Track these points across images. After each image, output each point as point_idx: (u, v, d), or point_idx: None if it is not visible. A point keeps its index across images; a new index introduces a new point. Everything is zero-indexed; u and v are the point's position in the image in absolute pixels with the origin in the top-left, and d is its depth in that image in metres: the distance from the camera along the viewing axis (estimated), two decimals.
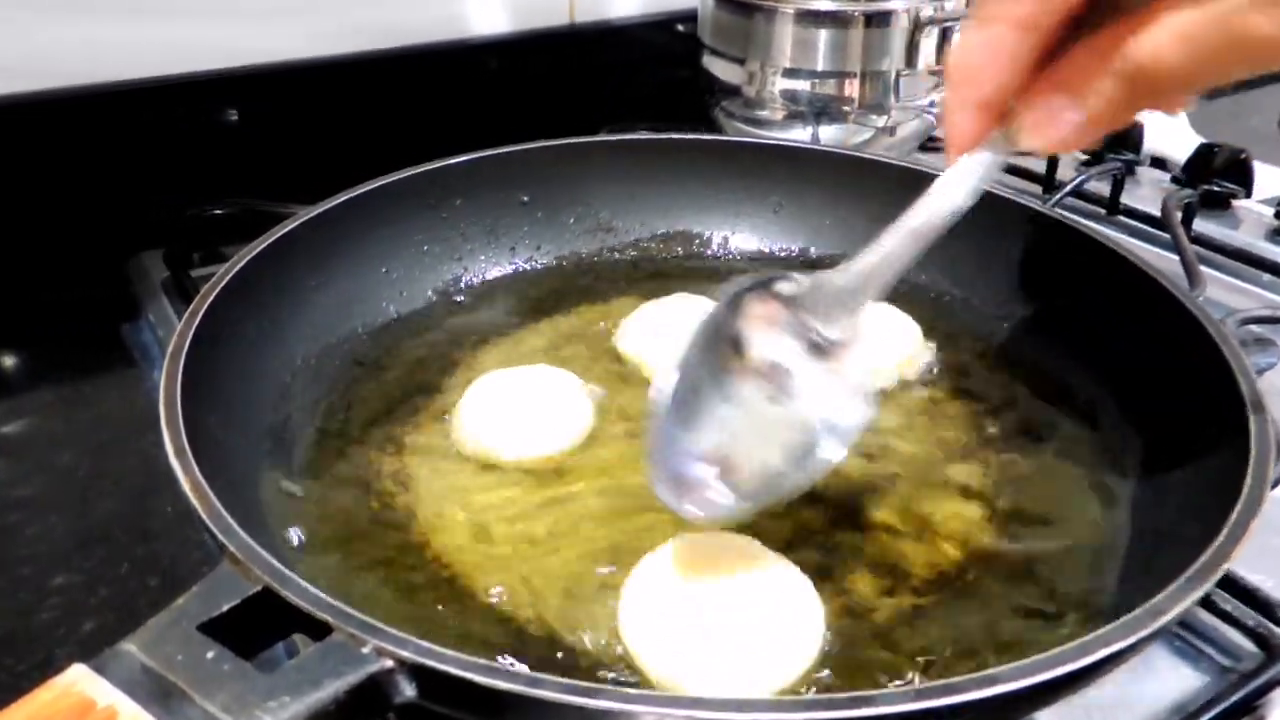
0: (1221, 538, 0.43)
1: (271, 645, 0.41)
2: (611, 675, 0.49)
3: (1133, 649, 0.39)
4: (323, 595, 0.40)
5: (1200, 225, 1.02)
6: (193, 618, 0.39)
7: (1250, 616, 0.58)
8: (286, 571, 0.41)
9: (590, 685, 0.36)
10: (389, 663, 0.38)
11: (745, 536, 0.54)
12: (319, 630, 0.40)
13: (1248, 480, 0.47)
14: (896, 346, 0.73)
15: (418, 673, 0.38)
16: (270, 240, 0.68)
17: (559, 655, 0.50)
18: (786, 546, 0.55)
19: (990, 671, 0.37)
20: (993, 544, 0.58)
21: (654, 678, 0.48)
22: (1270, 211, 1.07)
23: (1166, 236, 0.97)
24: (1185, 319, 0.62)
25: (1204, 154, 1.10)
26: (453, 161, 0.81)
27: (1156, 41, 0.36)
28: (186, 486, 0.46)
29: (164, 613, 0.40)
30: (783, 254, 0.88)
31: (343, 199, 0.74)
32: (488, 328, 0.78)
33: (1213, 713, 0.53)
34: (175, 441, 0.49)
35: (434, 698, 0.39)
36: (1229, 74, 0.36)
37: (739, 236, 0.88)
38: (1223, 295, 0.92)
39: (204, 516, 0.44)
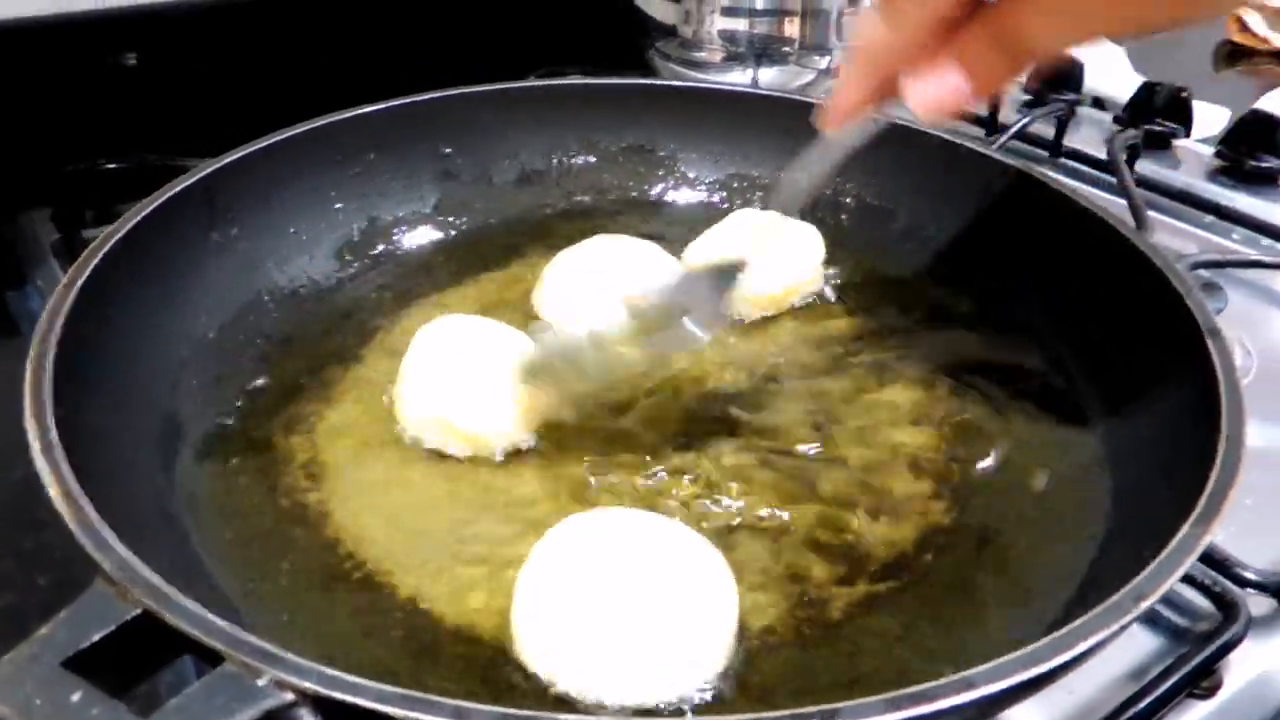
0: (1200, 507, 0.40)
1: (152, 677, 0.36)
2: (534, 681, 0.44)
3: (1115, 635, 0.36)
4: (211, 617, 0.35)
5: (1141, 166, 0.99)
6: (57, 651, 0.34)
7: (1207, 575, 0.56)
8: (169, 590, 0.36)
9: (523, 714, 0.32)
10: (289, 695, 0.33)
11: (652, 513, 0.50)
12: (210, 657, 0.35)
13: (1221, 444, 0.44)
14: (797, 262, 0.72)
15: (324, 706, 0.33)
16: (162, 199, 0.61)
17: (472, 656, 0.46)
18: (730, 531, 0.51)
19: (968, 674, 0.33)
20: (950, 519, 0.55)
21: (559, 687, 0.44)
22: (1210, 151, 1.05)
23: (1110, 179, 0.95)
24: (1140, 263, 0.59)
25: (1145, 93, 1.08)
26: (366, 110, 0.74)
27: (1032, 19, 0.40)
28: (53, 491, 0.40)
29: (23, 646, 0.34)
30: (723, 205, 0.83)
31: (244, 152, 0.67)
32: (409, 291, 0.72)
33: (1173, 678, 0.51)
34: (42, 437, 0.43)
35: None
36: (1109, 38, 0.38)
37: (679, 188, 0.83)
38: (1166, 239, 0.90)
39: (74, 527, 0.39)
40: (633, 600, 0.44)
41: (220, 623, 0.35)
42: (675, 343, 0.58)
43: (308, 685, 0.33)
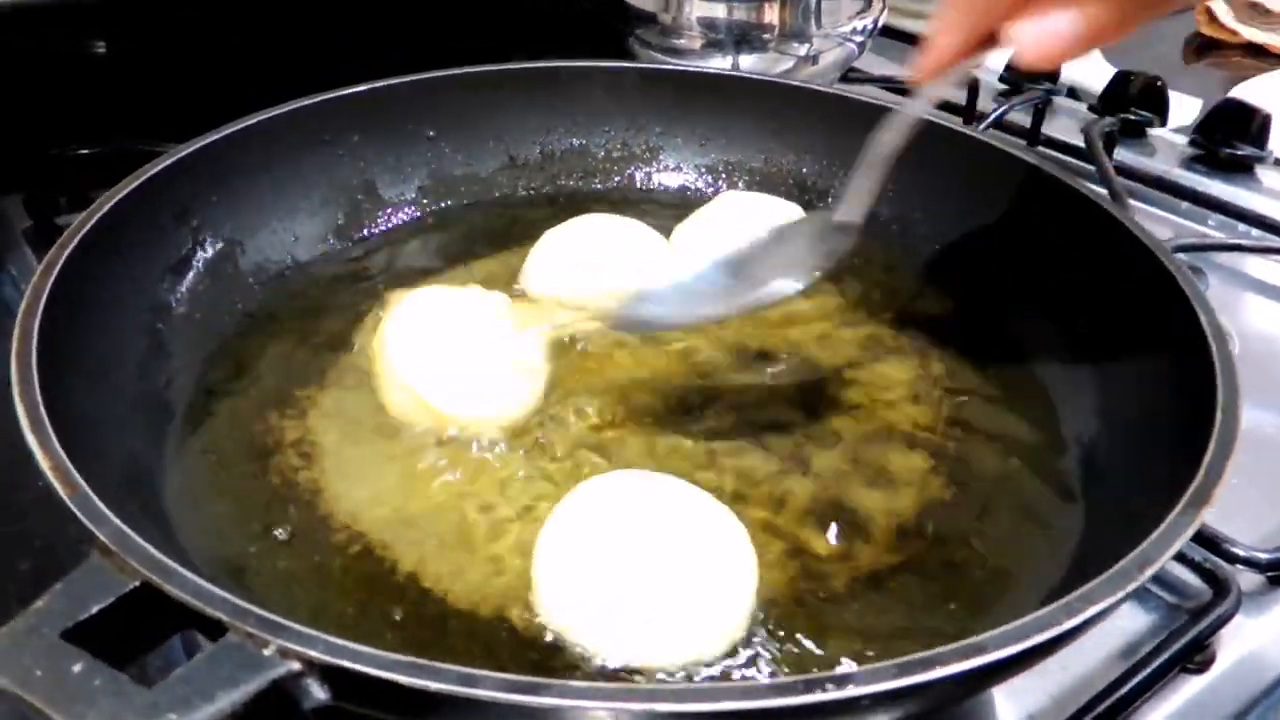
0: (1202, 472, 0.41)
1: (152, 650, 0.35)
2: (539, 653, 0.44)
3: (1122, 601, 0.36)
4: (213, 588, 0.34)
5: (1118, 154, 1.00)
6: (56, 623, 0.33)
7: (1197, 552, 0.56)
8: (169, 561, 0.35)
9: (531, 680, 0.32)
10: (296, 665, 0.32)
11: (671, 477, 0.50)
12: (212, 630, 0.34)
13: (1218, 413, 0.44)
14: None
15: (331, 674, 0.33)
16: (139, 181, 0.60)
17: (484, 633, 0.46)
18: (732, 502, 0.51)
19: (978, 639, 0.33)
20: (948, 493, 0.55)
21: (576, 648, 0.44)
22: (1184, 139, 1.07)
23: (1088, 167, 0.96)
24: (1129, 243, 0.59)
25: (1120, 82, 1.09)
26: (349, 92, 0.73)
27: None
28: (46, 465, 0.39)
29: (19, 619, 0.33)
30: (709, 190, 0.83)
31: (222, 134, 0.66)
32: (396, 276, 0.71)
33: (1166, 653, 0.51)
34: (31, 413, 0.42)
35: (352, 699, 0.34)
36: None
37: (664, 172, 0.83)
38: (1143, 224, 0.91)
39: (68, 499, 0.38)
40: (655, 564, 0.44)
41: (222, 593, 0.34)
42: (765, 295, 0.55)
43: (314, 654, 0.32)
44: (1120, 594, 0.35)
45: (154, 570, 0.35)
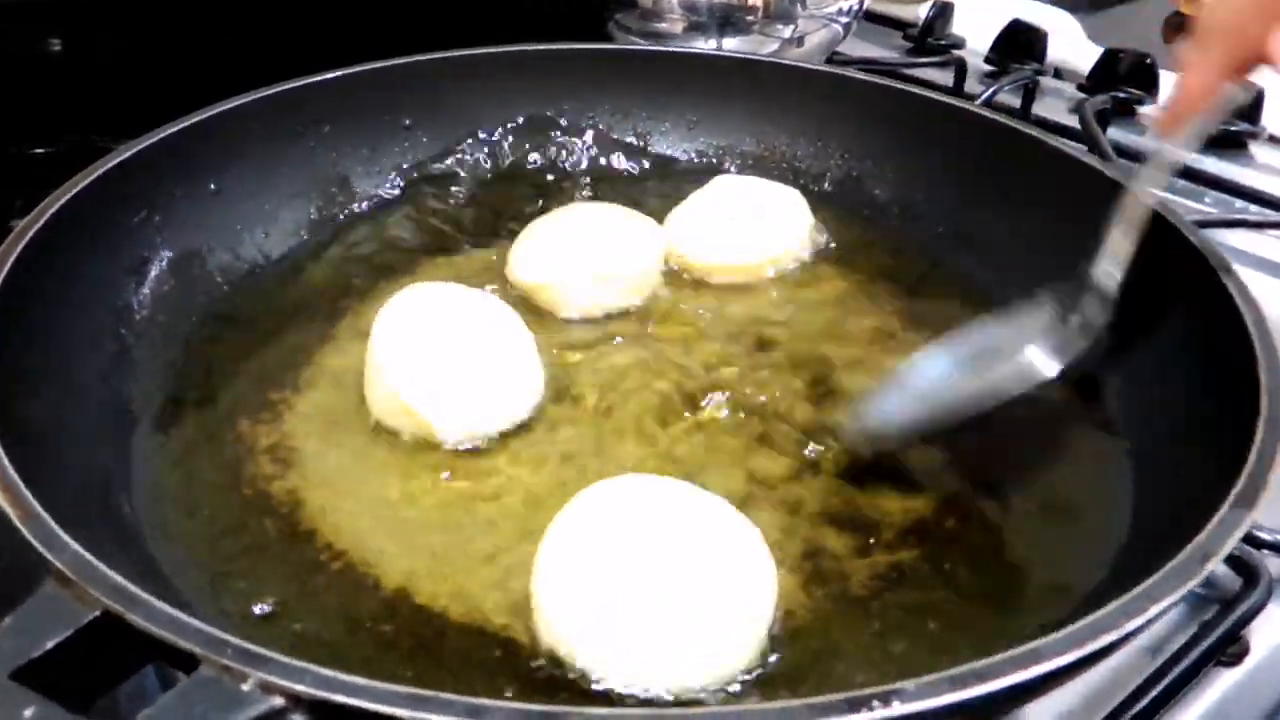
0: (1253, 457, 0.38)
1: (115, 688, 0.32)
2: (544, 675, 0.41)
3: (1183, 598, 0.33)
4: (184, 616, 0.31)
5: (1109, 133, 0.98)
6: (5, 662, 0.29)
7: None
8: (133, 588, 0.31)
9: (547, 710, 0.28)
10: (279, 700, 0.29)
11: (678, 481, 0.46)
12: (184, 663, 0.30)
13: (1264, 393, 0.41)
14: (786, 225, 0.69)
15: (320, 710, 0.29)
16: (94, 176, 0.56)
17: (483, 653, 0.42)
18: (742, 504, 0.48)
19: (1034, 645, 0.30)
20: (967, 487, 0.52)
21: (581, 669, 0.40)
22: None
23: (1080, 146, 0.94)
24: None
25: (1109, 61, 1.07)
26: (318, 79, 0.69)
27: None
28: None
29: None
30: (702, 175, 0.79)
31: (183, 125, 0.62)
32: (374, 271, 0.67)
33: (1200, 648, 0.48)
34: None
35: None
36: None
37: (652, 157, 0.80)
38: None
39: (19, 523, 0.34)
40: (671, 581, 0.40)
41: (196, 623, 0.30)
42: (1016, 378, 0.50)
43: (301, 688, 0.29)
44: (1182, 590, 0.33)
45: (117, 599, 0.31)
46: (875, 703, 0.29)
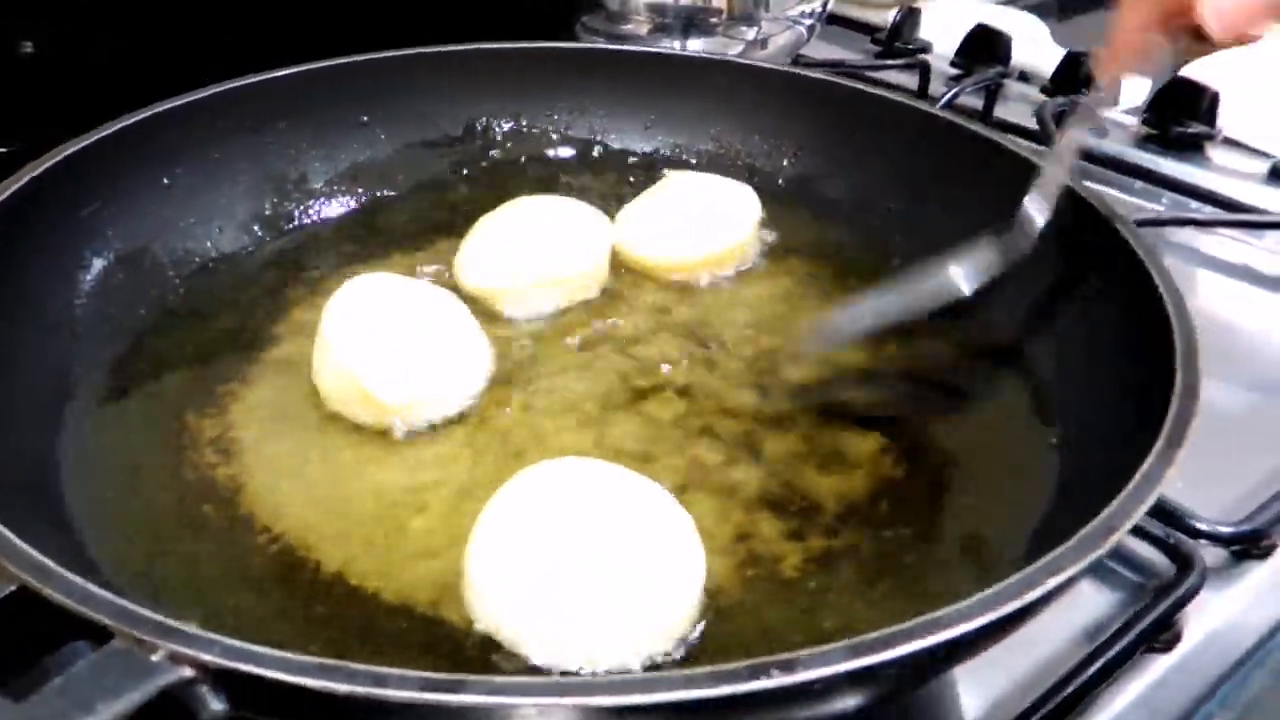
0: (1164, 434, 0.39)
1: (35, 666, 0.32)
2: (476, 652, 0.41)
3: (1086, 571, 0.34)
4: (96, 589, 0.31)
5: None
6: None
7: (1158, 528, 0.55)
8: (47, 562, 0.32)
9: (451, 678, 0.29)
10: (188, 671, 0.29)
11: (607, 463, 0.47)
12: (99, 637, 0.31)
13: (1178, 375, 0.42)
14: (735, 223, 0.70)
15: (227, 680, 0.29)
16: (42, 169, 0.56)
17: (418, 633, 0.43)
18: (680, 490, 0.48)
19: (935, 615, 0.31)
20: (901, 471, 0.53)
21: (509, 647, 0.41)
22: (1135, 120, 1.06)
23: (1040, 148, 0.95)
24: (1085, 212, 0.58)
25: (1070, 64, 1.09)
26: (274, 75, 0.70)
27: None
28: None
29: None
30: (655, 168, 0.79)
31: (135, 119, 0.63)
32: (328, 267, 0.67)
33: (1132, 632, 0.49)
34: None
35: (253, 708, 0.31)
36: None
37: (609, 155, 0.80)
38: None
39: None
40: (597, 558, 0.41)
41: (106, 595, 0.31)
42: (936, 292, 0.56)
43: (208, 658, 0.29)
44: (1085, 561, 0.33)
45: (32, 573, 0.31)
46: (775, 670, 0.29)
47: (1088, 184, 0.89)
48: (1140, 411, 0.43)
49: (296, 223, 0.71)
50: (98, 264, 0.59)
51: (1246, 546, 0.55)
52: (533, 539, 0.42)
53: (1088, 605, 0.52)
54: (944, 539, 0.49)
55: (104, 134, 0.61)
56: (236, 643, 0.30)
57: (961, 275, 0.56)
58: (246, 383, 0.57)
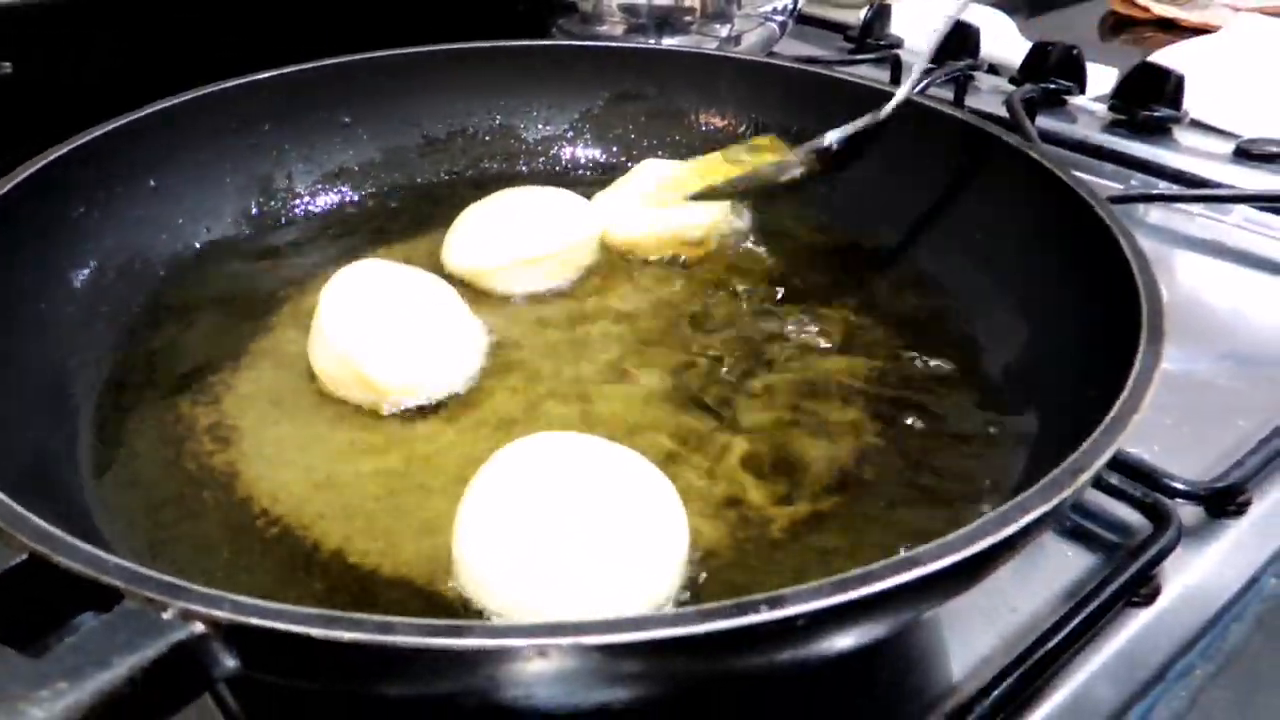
0: (1130, 384, 0.40)
1: (50, 635, 0.33)
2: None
3: (1054, 513, 0.35)
4: (105, 555, 0.32)
5: (1039, 122, 1.02)
6: None
7: (1135, 488, 0.56)
8: (56, 531, 0.33)
9: (452, 623, 0.30)
10: (199, 627, 0.30)
11: (594, 437, 0.47)
12: (111, 602, 0.32)
13: (1143, 335, 0.44)
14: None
15: (239, 635, 0.31)
16: (31, 171, 0.57)
17: (413, 608, 0.44)
18: (668, 460, 0.50)
19: (911, 553, 0.32)
20: (884, 440, 0.54)
21: (498, 615, 0.42)
22: (1103, 107, 1.09)
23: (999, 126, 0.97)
24: (1056, 188, 0.59)
25: (1038, 53, 1.11)
26: (255, 78, 0.71)
27: None
28: None
29: None
30: (629, 161, 0.81)
31: (123, 121, 0.64)
32: (317, 261, 0.68)
33: (1112, 586, 0.51)
34: None
35: (263, 665, 0.32)
36: None
37: (588, 149, 0.82)
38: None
39: None
40: (581, 526, 0.42)
41: (117, 559, 0.32)
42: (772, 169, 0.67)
43: (219, 614, 0.30)
44: (1052, 503, 0.35)
45: (42, 541, 0.32)
46: (763, 606, 0.30)
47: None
48: (1110, 368, 0.44)
49: (283, 221, 0.72)
50: (89, 265, 0.60)
51: (1222, 503, 0.57)
52: (514, 514, 0.43)
53: (1070, 566, 0.54)
54: (927, 502, 0.50)
55: (89, 138, 0.62)
56: (246, 599, 0.31)
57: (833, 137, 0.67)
58: (241, 372, 0.58)
